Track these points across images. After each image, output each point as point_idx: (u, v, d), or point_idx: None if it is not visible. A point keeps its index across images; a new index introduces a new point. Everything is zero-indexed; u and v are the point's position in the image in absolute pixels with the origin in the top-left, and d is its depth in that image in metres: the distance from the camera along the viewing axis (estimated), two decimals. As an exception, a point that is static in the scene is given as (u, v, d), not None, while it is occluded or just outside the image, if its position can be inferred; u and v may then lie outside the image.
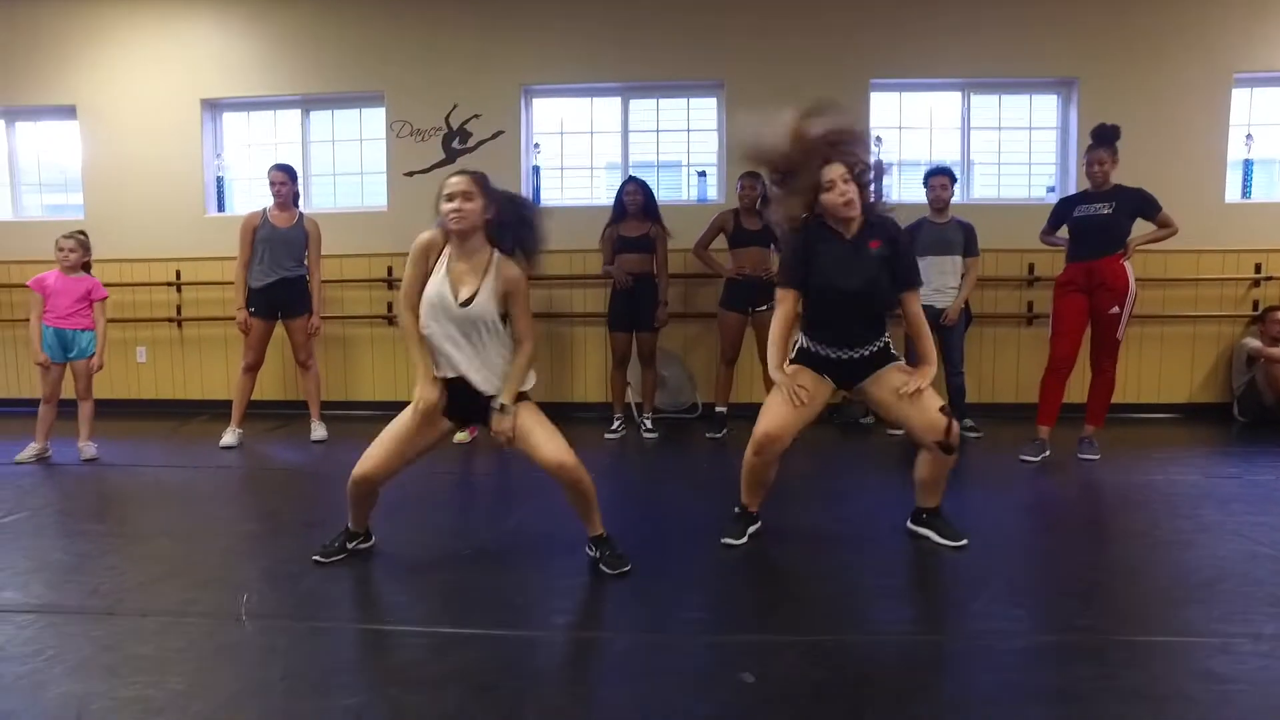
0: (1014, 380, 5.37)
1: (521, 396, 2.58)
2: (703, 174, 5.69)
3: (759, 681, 1.83)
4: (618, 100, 5.73)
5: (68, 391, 4.31)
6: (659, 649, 2.04)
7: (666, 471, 4.16)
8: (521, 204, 2.64)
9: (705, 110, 5.71)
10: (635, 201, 4.70)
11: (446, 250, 2.51)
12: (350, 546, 2.69)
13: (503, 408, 2.50)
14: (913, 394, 2.59)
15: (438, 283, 2.48)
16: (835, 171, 2.57)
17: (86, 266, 4.35)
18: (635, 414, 5.02)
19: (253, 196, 5.74)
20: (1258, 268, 5.31)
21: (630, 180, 4.81)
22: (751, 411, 4.89)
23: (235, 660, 1.99)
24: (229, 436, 4.57)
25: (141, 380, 5.95)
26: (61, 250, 4.23)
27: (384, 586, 2.53)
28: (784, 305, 2.72)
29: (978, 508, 3.10)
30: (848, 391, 2.79)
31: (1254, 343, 5.09)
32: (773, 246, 4.72)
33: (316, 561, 2.61)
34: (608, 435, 4.74)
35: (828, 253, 2.64)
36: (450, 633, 2.13)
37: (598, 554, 2.57)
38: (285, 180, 4.59)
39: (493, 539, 3.01)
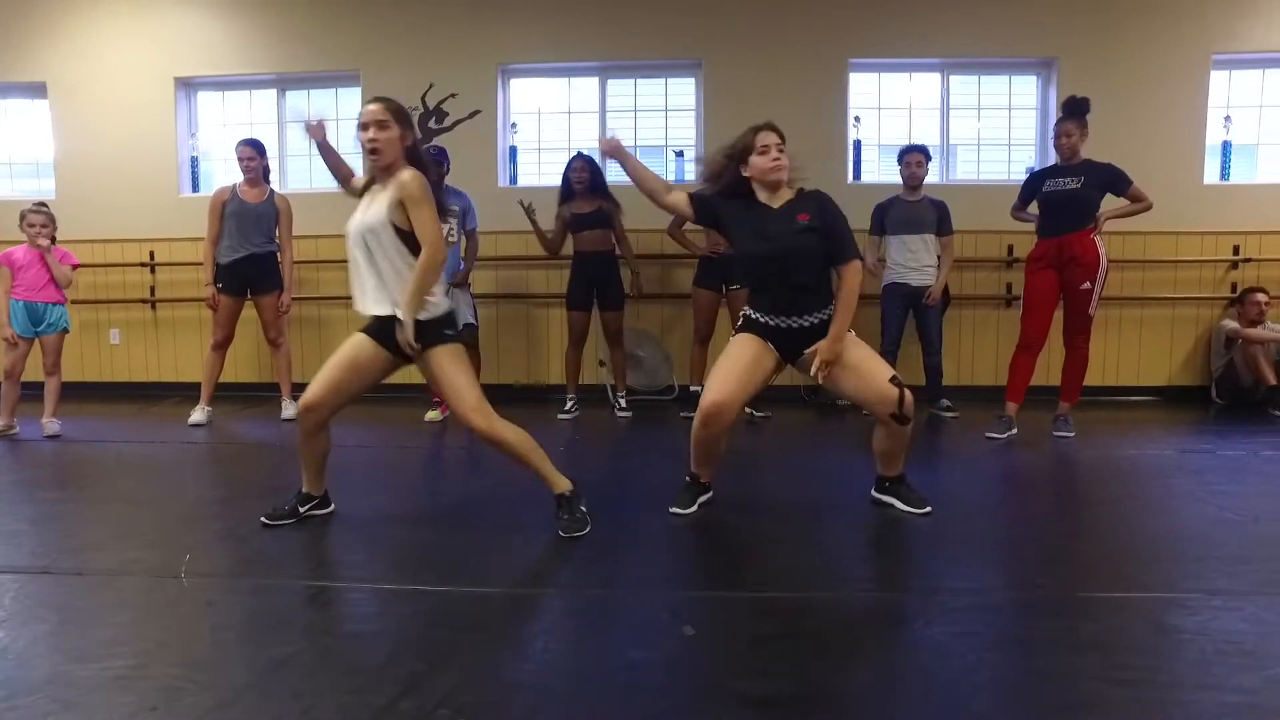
0: (993, 362, 5.32)
1: (449, 339, 2.47)
2: (680, 154, 5.65)
3: (699, 634, 1.79)
4: (595, 80, 5.68)
5: (32, 374, 4.24)
6: (606, 604, 2.00)
7: (636, 446, 4.11)
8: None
9: (684, 91, 5.67)
10: (581, 180, 4.62)
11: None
12: (303, 510, 2.63)
13: (396, 320, 2.39)
14: (821, 365, 2.54)
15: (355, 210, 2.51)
16: (770, 138, 2.61)
17: (52, 238, 4.28)
18: (610, 395, 4.96)
19: (227, 177, 5.65)
20: (1235, 250, 5.28)
21: (578, 157, 4.69)
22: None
23: (167, 614, 1.94)
24: (198, 414, 4.50)
25: (115, 362, 5.87)
26: (33, 226, 4.15)
27: (336, 547, 2.48)
28: (678, 191, 2.77)
29: (947, 481, 3.06)
30: (791, 363, 2.71)
31: (1232, 324, 5.06)
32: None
33: (264, 524, 2.55)
34: (561, 416, 4.66)
35: (748, 218, 2.64)
36: (395, 589, 2.08)
37: (558, 515, 2.52)
38: (253, 155, 4.53)
39: (456, 505, 2.96)
